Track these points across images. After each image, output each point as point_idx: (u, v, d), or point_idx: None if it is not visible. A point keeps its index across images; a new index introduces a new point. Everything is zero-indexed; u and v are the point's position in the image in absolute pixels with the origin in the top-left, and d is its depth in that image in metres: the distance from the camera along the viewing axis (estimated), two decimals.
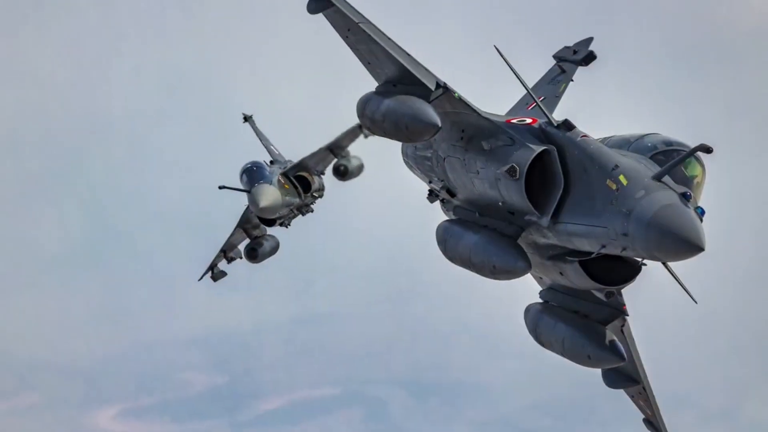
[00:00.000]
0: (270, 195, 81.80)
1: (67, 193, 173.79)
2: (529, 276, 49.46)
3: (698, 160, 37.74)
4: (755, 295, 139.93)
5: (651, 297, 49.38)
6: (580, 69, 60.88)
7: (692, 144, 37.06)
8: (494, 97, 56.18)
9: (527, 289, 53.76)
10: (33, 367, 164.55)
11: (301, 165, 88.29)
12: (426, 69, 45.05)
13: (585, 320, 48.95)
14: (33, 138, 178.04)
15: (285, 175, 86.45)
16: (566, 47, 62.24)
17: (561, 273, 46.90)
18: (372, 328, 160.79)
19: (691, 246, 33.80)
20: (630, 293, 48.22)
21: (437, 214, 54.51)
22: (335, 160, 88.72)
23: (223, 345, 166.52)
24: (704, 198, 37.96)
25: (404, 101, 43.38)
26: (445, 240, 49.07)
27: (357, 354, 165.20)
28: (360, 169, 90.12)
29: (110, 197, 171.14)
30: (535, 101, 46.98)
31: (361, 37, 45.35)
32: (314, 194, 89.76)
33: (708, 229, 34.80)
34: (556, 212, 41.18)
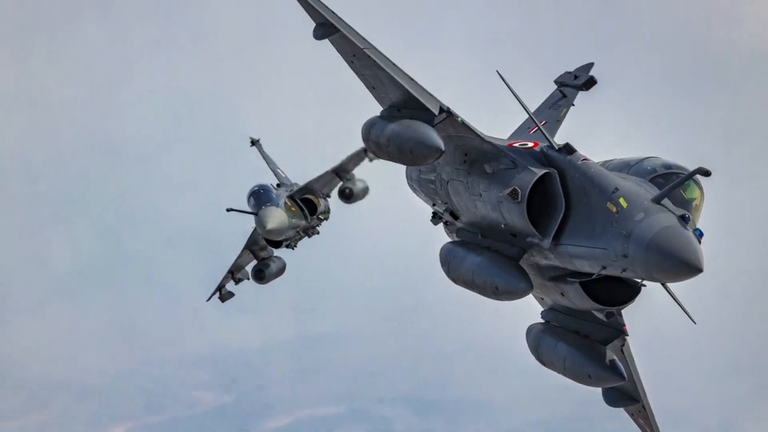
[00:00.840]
0: (277, 217, 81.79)
1: (79, 213, 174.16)
2: (530, 296, 49.65)
3: (697, 182, 37.92)
4: (753, 315, 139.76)
5: (651, 317, 49.31)
6: (580, 93, 61.31)
7: (691, 167, 37.25)
8: (497, 121, 56.29)
9: (529, 309, 53.83)
10: (44, 385, 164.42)
11: (308, 188, 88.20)
12: (429, 94, 44.93)
13: (585, 340, 49.21)
14: (46, 160, 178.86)
15: (291, 197, 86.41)
16: (567, 72, 62.69)
17: (562, 294, 47.01)
18: (376, 347, 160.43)
19: (690, 267, 33.88)
20: (630, 313, 48.28)
21: (441, 236, 54.53)
22: (341, 183, 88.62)
23: (231, 364, 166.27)
24: (703, 220, 38.00)
25: (408, 125, 43.44)
26: (449, 261, 49.11)
27: (361, 372, 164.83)
28: (365, 191, 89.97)
29: (120, 219, 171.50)
30: (537, 125, 47.31)
31: (365, 63, 45.28)
32: (320, 216, 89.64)
33: (707, 251, 34.82)
34: (557, 234, 41.33)
